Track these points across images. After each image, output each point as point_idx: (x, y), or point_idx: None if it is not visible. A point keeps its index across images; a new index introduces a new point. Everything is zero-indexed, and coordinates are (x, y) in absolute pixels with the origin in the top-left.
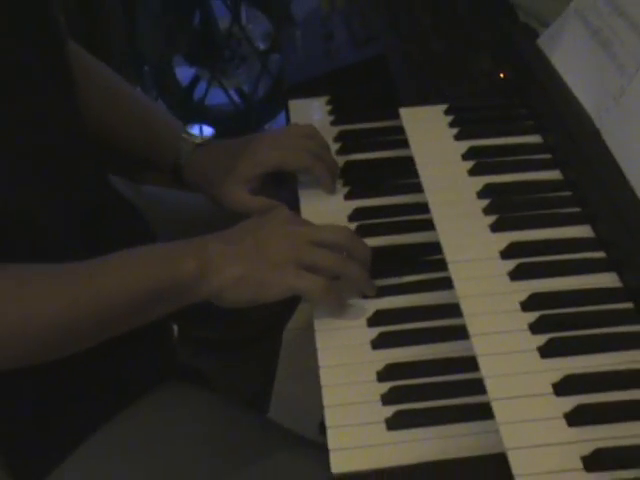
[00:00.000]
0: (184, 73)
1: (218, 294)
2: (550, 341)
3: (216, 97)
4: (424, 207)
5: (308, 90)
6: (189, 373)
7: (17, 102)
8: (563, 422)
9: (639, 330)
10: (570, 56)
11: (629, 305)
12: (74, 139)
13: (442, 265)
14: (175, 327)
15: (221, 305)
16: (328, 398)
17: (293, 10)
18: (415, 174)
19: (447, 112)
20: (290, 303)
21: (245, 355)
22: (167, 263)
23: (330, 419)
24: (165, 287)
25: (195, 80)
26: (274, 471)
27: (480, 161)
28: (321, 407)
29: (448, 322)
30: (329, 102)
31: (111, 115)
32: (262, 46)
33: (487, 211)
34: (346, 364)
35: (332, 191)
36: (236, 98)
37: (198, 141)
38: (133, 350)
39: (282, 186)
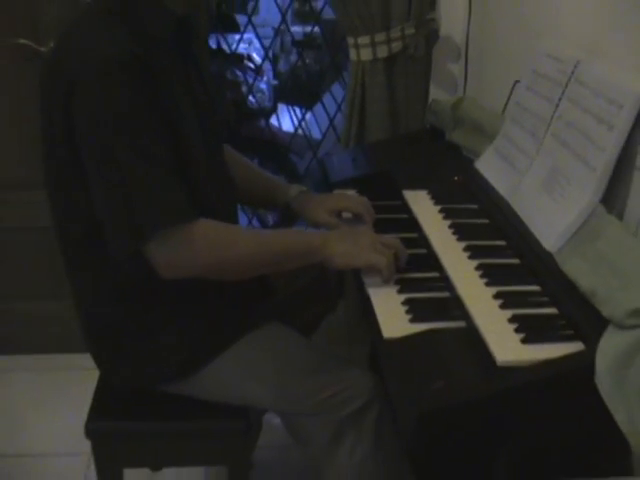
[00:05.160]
0: None
1: (330, 258)
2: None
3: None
4: (420, 241)
5: (344, 185)
6: (285, 320)
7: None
8: None
9: None
10: (492, 170)
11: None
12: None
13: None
14: None
15: (329, 266)
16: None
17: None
18: (410, 222)
19: (428, 193)
20: None
21: None
22: (306, 237)
23: (381, 319)
24: (304, 248)
25: None
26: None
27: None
28: None
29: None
30: (358, 192)
31: (242, 176)
32: None
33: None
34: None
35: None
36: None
37: (300, 190)
38: (250, 300)
39: None
